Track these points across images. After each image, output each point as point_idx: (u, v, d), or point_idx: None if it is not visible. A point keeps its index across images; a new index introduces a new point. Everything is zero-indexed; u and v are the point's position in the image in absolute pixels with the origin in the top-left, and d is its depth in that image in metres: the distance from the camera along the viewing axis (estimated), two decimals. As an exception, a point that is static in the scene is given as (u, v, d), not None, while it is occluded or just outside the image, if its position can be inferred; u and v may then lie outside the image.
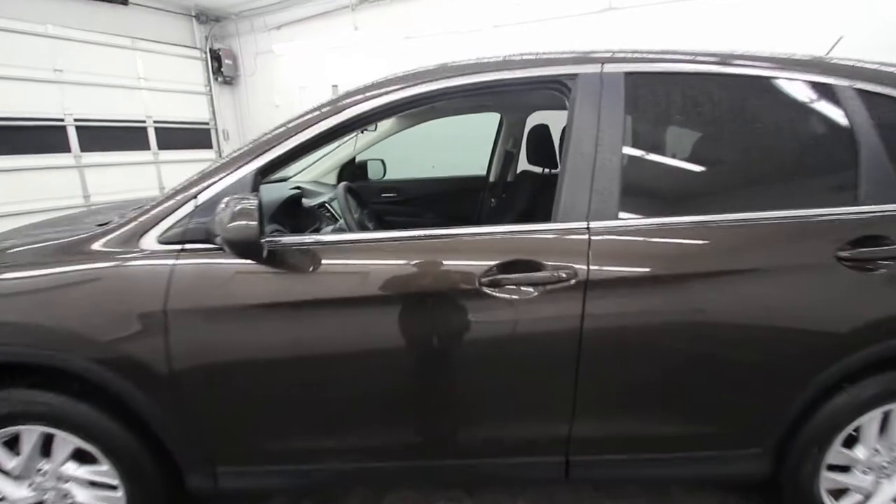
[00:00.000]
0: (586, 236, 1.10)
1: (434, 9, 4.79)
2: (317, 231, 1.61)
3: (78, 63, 4.82)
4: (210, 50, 5.89)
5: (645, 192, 1.20)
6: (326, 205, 1.89)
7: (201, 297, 1.09)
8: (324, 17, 5.30)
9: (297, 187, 1.91)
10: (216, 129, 6.13)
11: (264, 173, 1.15)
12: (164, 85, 5.55)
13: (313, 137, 1.16)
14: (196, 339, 1.09)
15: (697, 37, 3.85)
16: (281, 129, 1.16)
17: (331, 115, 1.17)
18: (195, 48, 5.85)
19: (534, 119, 2.51)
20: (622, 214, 1.12)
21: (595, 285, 1.08)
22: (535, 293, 1.08)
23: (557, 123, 2.28)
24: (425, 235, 1.13)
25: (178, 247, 1.11)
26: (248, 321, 1.09)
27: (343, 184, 1.60)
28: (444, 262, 1.12)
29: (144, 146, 5.45)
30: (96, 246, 1.12)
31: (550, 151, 2.16)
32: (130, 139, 5.32)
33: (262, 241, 1.01)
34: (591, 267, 1.08)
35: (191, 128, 5.88)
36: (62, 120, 4.74)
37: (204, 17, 5.80)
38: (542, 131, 2.19)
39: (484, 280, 1.08)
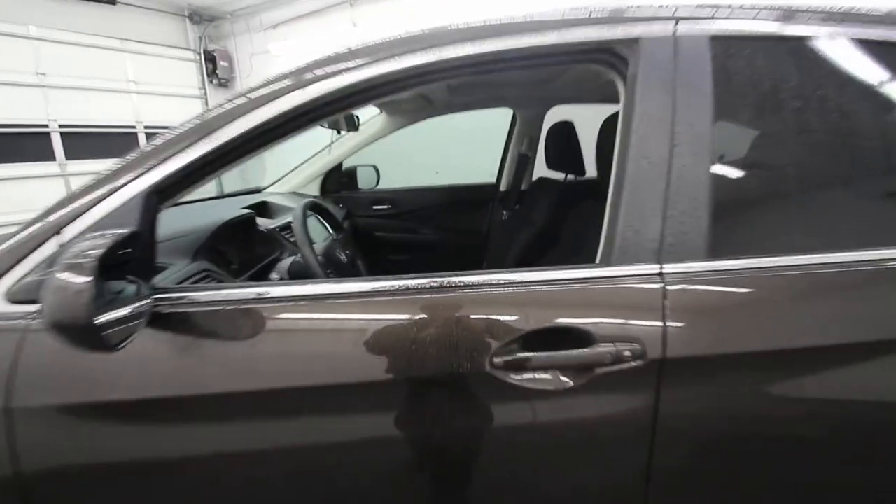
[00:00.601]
0: (659, 286, 0.70)
1: (437, 1, 4.45)
2: (275, 262, 1.21)
3: (63, 66, 4.60)
4: (204, 51, 5.65)
5: (751, 216, 0.78)
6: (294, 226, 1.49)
7: (63, 384, 0.71)
8: (321, 14, 5.05)
9: (263, 202, 1.52)
10: (211, 135, 5.85)
11: (163, 194, 0.76)
12: (156, 88, 5.32)
13: (241, 137, 0.76)
14: (59, 444, 0.72)
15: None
16: (189, 127, 0.77)
17: (269, 102, 0.78)
18: (188, 49, 5.61)
19: (553, 116, 2.12)
20: (716, 252, 0.71)
21: (676, 367, 0.68)
22: (578, 382, 0.68)
23: (580, 120, 1.90)
24: (405, 288, 0.72)
25: (34, 307, 0.73)
26: (135, 420, 0.72)
27: (304, 201, 1.18)
28: (433, 332, 0.70)
29: (135, 153, 5.21)
30: None
31: (575, 154, 1.78)
32: (120, 146, 5.06)
33: (111, 316, 0.60)
34: (670, 332, 0.68)
35: (184, 133, 5.61)
36: (46, 126, 4.51)
37: (197, 17, 5.56)
38: (564, 130, 1.80)
39: (497, 361, 0.68)
